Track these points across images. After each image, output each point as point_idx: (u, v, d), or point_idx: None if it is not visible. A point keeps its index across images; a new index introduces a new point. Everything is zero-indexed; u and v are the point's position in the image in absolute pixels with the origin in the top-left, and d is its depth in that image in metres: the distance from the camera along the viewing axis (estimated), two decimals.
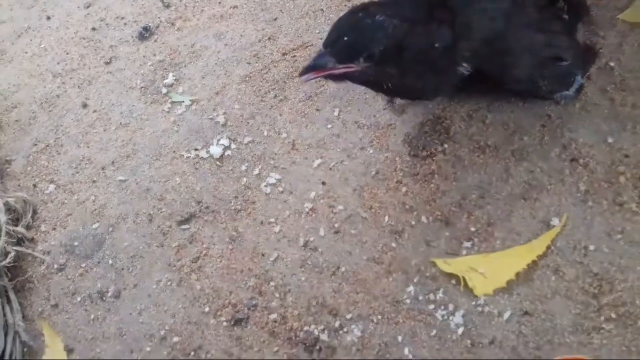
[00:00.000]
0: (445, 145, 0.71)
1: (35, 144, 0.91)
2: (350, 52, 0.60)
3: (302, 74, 0.60)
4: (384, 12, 0.61)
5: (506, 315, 0.58)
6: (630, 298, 0.56)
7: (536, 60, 0.67)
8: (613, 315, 0.56)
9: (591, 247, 0.60)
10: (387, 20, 0.60)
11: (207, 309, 0.66)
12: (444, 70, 0.66)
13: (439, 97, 0.74)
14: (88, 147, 0.88)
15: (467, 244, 0.63)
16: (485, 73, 0.67)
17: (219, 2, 1.02)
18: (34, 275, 0.74)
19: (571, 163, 0.65)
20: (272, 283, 0.66)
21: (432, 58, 0.63)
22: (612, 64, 0.72)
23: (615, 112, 0.68)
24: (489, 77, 0.67)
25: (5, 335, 0.67)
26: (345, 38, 0.60)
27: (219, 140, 0.81)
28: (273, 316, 0.63)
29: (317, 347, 0.60)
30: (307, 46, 0.88)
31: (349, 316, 0.62)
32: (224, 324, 0.64)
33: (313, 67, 0.60)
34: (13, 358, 0.66)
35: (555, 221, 0.62)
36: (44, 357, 0.67)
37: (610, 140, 0.66)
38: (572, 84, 0.70)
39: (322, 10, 0.92)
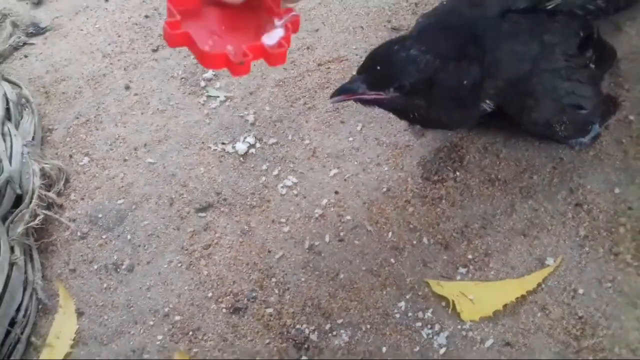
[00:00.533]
0: (457, 173, 0.73)
1: (77, 117, 0.96)
2: (382, 81, 0.63)
3: (333, 95, 0.64)
4: (418, 47, 0.64)
5: (488, 343, 0.61)
6: (610, 345, 0.58)
7: (556, 106, 0.69)
8: (590, 359, 0.58)
9: (580, 291, 0.62)
10: (421, 55, 0.63)
11: (210, 294, 0.70)
12: (469, 106, 0.69)
13: (460, 129, 0.76)
14: (125, 127, 0.93)
15: (462, 270, 0.66)
16: (504, 111, 0.69)
17: None
18: (58, 239, 0.79)
19: (575, 207, 0.68)
20: (273, 279, 0.69)
21: (459, 95, 0.66)
22: (631, 117, 0.73)
23: (627, 165, 0.70)
24: (508, 116, 0.70)
25: (24, 290, 0.72)
26: (379, 67, 0.63)
27: (245, 137, 0.85)
28: (269, 310, 0.67)
29: (306, 346, 0.64)
30: (342, 60, 0.92)
31: (340, 321, 0.65)
32: (224, 310, 0.68)
33: (345, 91, 0.63)
34: (28, 312, 0.71)
35: (549, 261, 0.64)
36: (56, 316, 0.71)
37: (617, 190, 0.68)
38: (589, 131, 0.72)
39: (362, 27, 0.96)
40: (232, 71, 0.48)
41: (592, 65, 0.74)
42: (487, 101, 0.69)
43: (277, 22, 0.50)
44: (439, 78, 0.64)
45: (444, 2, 0.79)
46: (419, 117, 0.67)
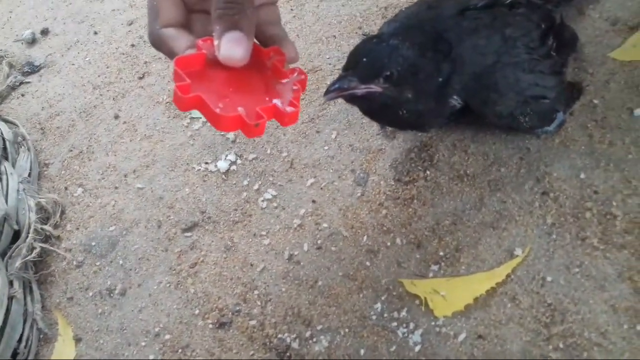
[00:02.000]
0: (428, 172, 0.75)
1: (71, 150, 1.00)
2: (371, 73, 0.63)
3: (326, 93, 0.63)
4: (395, 38, 0.65)
5: (461, 337, 0.62)
6: (580, 330, 0.59)
7: (519, 98, 0.70)
8: (561, 345, 0.59)
9: (549, 279, 0.63)
10: (400, 43, 0.65)
11: (197, 312, 0.72)
12: (442, 101, 0.70)
13: (432, 129, 0.78)
14: (115, 155, 0.97)
15: (435, 267, 0.67)
16: (469, 106, 0.70)
17: None
18: (56, 270, 0.83)
19: (542, 196, 0.68)
20: (256, 292, 0.72)
21: (437, 85, 0.68)
22: (596, 101, 0.74)
23: (592, 149, 0.70)
24: (472, 110, 0.71)
25: (24, 322, 0.76)
26: (365, 60, 0.63)
27: (226, 155, 0.88)
28: (253, 322, 0.69)
29: (288, 354, 0.66)
30: (317, 70, 0.94)
31: (319, 327, 0.67)
32: (210, 326, 0.71)
33: (337, 88, 0.63)
34: (29, 343, 0.75)
35: (518, 251, 0.65)
36: (56, 344, 0.75)
37: (582, 176, 0.68)
38: (554, 120, 0.72)
39: (334, 36, 0.98)
40: (246, 133, 0.48)
41: (554, 53, 0.75)
42: (455, 97, 0.70)
43: (284, 82, 0.51)
44: (421, 64, 0.65)
45: (403, 9, 0.81)
46: (407, 112, 0.67)
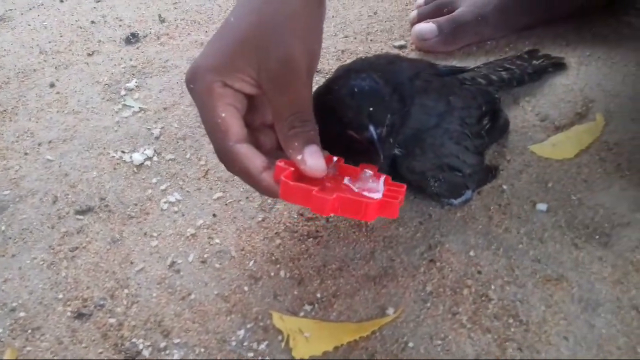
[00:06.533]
0: (331, 214, 0.74)
1: None
2: (384, 114, 0.60)
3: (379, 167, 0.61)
4: (368, 75, 0.62)
5: None
6: None
7: (437, 162, 0.70)
8: None
9: (410, 344, 0.62)
10: (378, 80, 0.63)
11: (60, 296, 0.69)
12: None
13: None
14: (37, 122, 0.94)
15: (308, 307, 0.66)
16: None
17: (205, 31, 1.10)
18: None
19: (429, 263, 0.69)
20: (126, 290, 0.70)
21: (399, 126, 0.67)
22: (505, 187, 0.75)
23: (488, 230, 0.71)
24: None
25: None
26: (371, 109, 0.59)
27: (145, 149, 0.86)
28: (112, 320, 0.67)
29: None
30: None
31: (177, 341, 0.65)
32: (68, 314, 0.68)
33: (379, 146, 0.59)
34: None
35: (390, 311, 0.65)
36: None
37: (472, 253, 0.69)
38: (462, 195, 0.74)
39: None
40: (389, 213, 0.53)
41: (484, 134, 0.76)
42: (397, 145, 0.68)
43: (362, 178, 0.56)
44: (392, 104, 0.64)
45: (362, 57, 0.80)
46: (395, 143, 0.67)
